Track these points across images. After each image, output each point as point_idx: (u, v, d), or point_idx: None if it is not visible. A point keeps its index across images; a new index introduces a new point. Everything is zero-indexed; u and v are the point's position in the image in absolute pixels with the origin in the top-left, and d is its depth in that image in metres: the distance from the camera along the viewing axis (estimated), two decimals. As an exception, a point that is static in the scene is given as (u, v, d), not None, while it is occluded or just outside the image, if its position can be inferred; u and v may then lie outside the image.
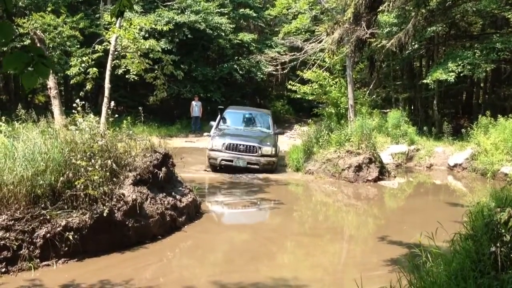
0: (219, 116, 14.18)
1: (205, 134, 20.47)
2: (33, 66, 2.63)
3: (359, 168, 12.37)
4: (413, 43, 18.11)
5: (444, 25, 18.61)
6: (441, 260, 4.58)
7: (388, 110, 19.82)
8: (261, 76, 25.56)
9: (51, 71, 9.88)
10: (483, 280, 3.97)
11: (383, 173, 12.78)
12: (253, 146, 12.49)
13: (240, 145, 12.48)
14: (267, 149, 12.65)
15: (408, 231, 7.51)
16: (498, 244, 4.24)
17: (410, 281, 4.23)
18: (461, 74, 16.92)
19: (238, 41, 24.88)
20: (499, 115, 15.50)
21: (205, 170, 12.64)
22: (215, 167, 12.51)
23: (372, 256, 6.54)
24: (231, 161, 12.30)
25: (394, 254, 6.35)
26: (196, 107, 22.51)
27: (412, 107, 24.59)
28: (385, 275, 4.98)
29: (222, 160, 12.32)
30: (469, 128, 16.23)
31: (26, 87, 2.70)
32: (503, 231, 4.43)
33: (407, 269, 4.60)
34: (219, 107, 14.82)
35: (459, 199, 10.49)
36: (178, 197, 7.89)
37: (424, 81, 18.56)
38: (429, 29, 17.65)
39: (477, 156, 14.16)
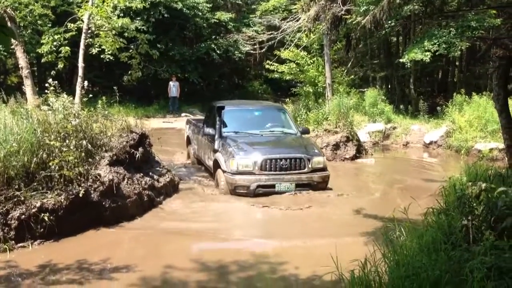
0: (217, 118, 9.36)
1: (183, 114, 20.40)
2: None
3: (336, 146, 12.51)
4: (389, 21, 18.16)
5: (421, 4, 18.67)
6: (414, 233, 4.69)
7: (365, 89, 19.96)
8: (239, 55, 25.37)
9: (23, 51, 9.54)
10: (455, 252, 4.08)
11: (360, 151, 12.95)
12: (300, 159, 8.54)
13: (281, 160, 8.46)
14: (319, 160, 8.78)
15: (384, 206, 7.63)
16: (469, 217, 4.36)
17: (384, 254, 4.32)
18: (437, 53, 17.09)
19: (215, 20, 24.59)
20: (473, 93, 15.78)
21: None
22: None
23: (348, 230, 6.64)
24: (273, 186, 8.36)
25: (369, 228, 6.47)
26: (173, 88, 22.32)
27: (389, 86, 24.79)
28: (360, 249, 5.07)
29: (259, 187, 8.30)
30: (444, 106, 16.50)
31: None
32: (474, 204, 4.56)
33: (381, 243, 4.70)
34: (218, 105, 9.75)
35: (433, 175, 10.69)
36: (155, 177, 7.89)
37: (401, 60, 18.70)
38: (405, 7, 17.70)
39: (452, 134, 14.42)
